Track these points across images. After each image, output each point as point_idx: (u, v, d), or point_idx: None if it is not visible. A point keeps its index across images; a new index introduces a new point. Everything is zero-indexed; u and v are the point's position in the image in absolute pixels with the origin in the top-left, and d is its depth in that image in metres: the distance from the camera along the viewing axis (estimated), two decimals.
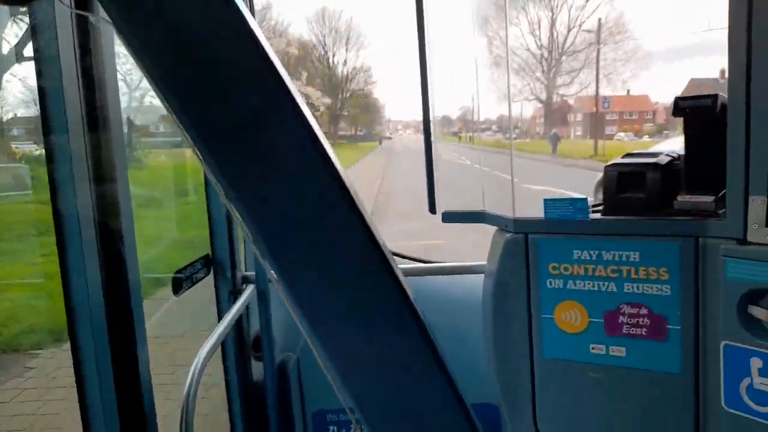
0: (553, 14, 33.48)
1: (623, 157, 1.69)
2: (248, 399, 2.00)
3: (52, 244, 1.24)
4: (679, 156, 1.63)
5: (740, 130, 1.32)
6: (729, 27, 1.31)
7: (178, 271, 1.61)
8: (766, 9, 1.25)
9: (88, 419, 1.24)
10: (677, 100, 1.56)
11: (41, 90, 1.18)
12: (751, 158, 1.32)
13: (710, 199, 1.48)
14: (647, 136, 33.20)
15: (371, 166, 25.67)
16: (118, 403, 1.27)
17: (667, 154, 1.63)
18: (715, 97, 1.49)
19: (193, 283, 1.71)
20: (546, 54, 34.16)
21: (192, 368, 1.43)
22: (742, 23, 1.28)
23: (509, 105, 2.13)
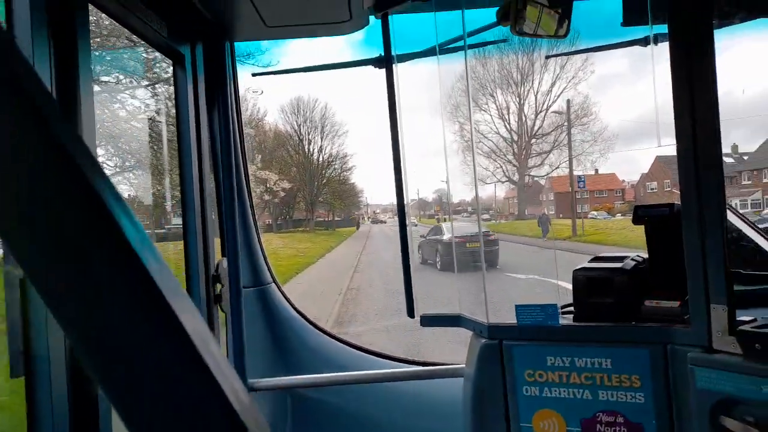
0: (520, 99, 35.40)
1: (590, 261, 1.75)
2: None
3: None
4: (644, 259, 1.70)
5: (695, 240, 1.39)
6: (677, 139, 1.41)
7: None
8: (709, 129, 1.36)
9: None
10: (636, 209, 1.66)
11: None
12: (708, 267, 1.38)
13: (676, 304, 1.53)
14: (620, 214, 34.28)
15: (345, 254, 24.90)
16: None
17: (632, 258, 1.69)
18: (671, 206, 1.59)
19: None
20: (515, 137, 35.82)
21: None
22: (688, 136, 1.38)
23: (476, 189, 2.22)
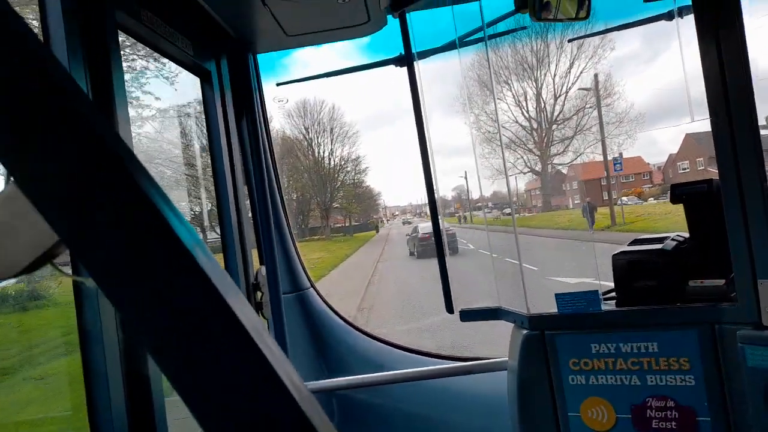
0: (537, 84, 33.82)
1: (630, 244, 1.73)
2: None
3: None
4: (685, 239, 1.67)
5: (737, 214, 1.37)
6: (710, 113, 1.40)
7: None
8: (743, 101, 1.34)
9: None
10: (673, 187, 1.64)
11: None
12: (753, 242, 1.36)
13: (721, 282, 1.51)
14: (652, 198, 33.18)
15: (359, 264, 22.95)
16: None
17: (673, 239, 1.67)
18: (710, 182, 1.56)
19: None
20: (535, 125, 34.21)
21: None
22: (721, 109, 1.37)
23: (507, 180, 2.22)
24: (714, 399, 1.44)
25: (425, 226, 22.22)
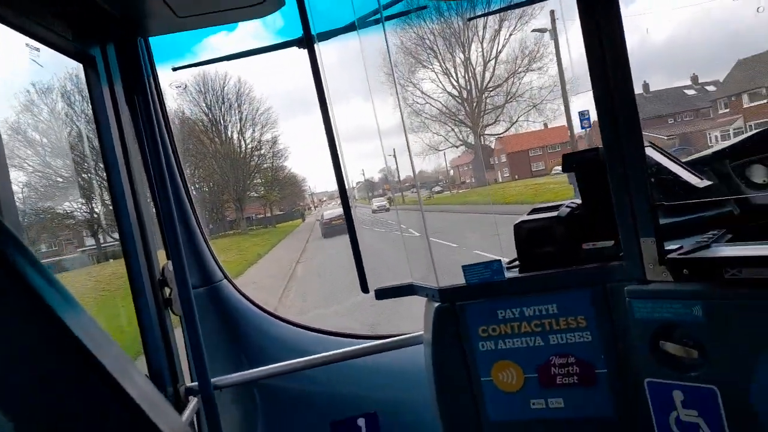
0: (464, 50, 31.03)
1: (529, 213, 1.83)
2: None
3: None
4: (578, 205, 1.78)
5: (620, 177, 1.48)
6: (592, 85, 1.49)
7: None
8: (618, 65, 1.44)
9: None
10: (565, 157, 1.73)
11: None
12: (634, 203, 1.47)
13: (611, 243, 1.63)
14: None
15: (272, 267, 18.65)
16: None
17: (567, 206, 1.78)
18: (597, 149, 1.67)
19: None
20: (465, 94, 31.46)
21: None
22: (602, 81, 1.46)
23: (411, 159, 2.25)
24: (609, 352, 1.56)
25: (329, 212, 26.03)
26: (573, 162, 1.72)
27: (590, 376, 1.58)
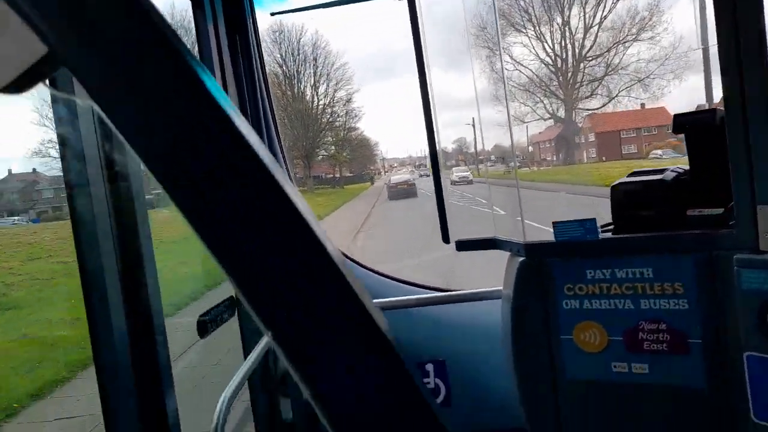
0: (564, 14, 27.50)
1: (629, 175, 1.76)
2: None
3: None
4: (686, 171, 1.69)
5: (740, 141, 1.38)
6: (718, 42, 1.39)
7: (204, 314, 1.68)
8: (752, 27, 1.33)
9: None
10: (676, 117, 1.64)
11: (63, 147, 1.30)
12: (754, 168, 1.38)
13: (720, 211, 1.54)
14: None
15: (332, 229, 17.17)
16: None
17: (672, 170, 1.69)
18: (713, 111, 1.57)
19: (218, 325, 1.78)
20: (560, 63, 27.95)
21: (218, 408, 1.49)
22: (731, 39, 1.36)
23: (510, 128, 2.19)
24: (707, 321, 1.50)
25: (395, 178, 29.60)
26: (686, 123, 1.63)
27: (682, 344, 1.53)
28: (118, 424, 1.31)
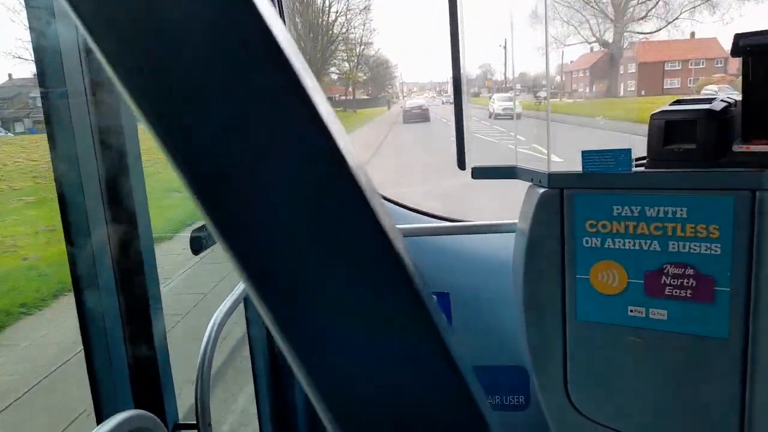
0: None
1: (671, 104, 1.58)
2: (272, 354, 2.03)
3: None
4: (736, 102, 1.51)
5: None
6: None
7: (197, 230, 1.59)
8: None
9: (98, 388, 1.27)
10: (737, 37, 1.44)
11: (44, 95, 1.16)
12: None
13: None
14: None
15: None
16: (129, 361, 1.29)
17: (722, 100, 1.51)
18: None
19: (215, 241, 1.68)
20: None
21: (210, 324, 1.45)
22: None
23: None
24: (739, 269, 1.38)
25: (410, 102, 30.13)
26: (747, 45, 1.42)
27: (708, 292, 1.42)
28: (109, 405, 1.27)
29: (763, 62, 1.41)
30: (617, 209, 1.50)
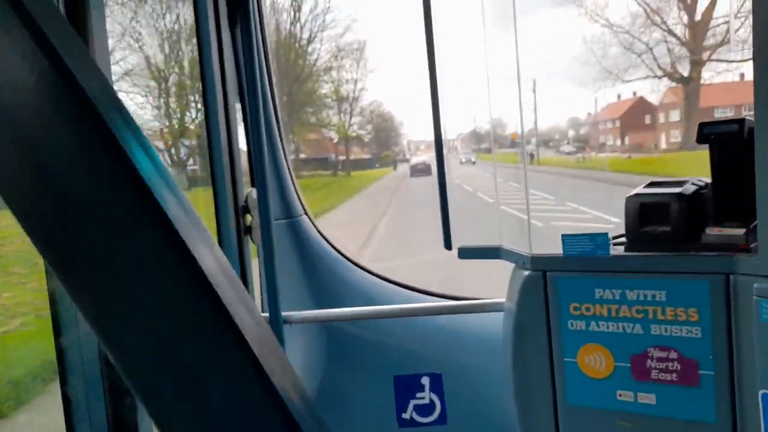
0: None
1: (646, 186, 1.66)
2: None
3: None
4: (707, 185, 1.58)
5: None
6: (753, 56, 1.28)
7: None
8: None
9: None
10: (701, 126, 1.53)
11: None
12: None
13: (741, 231, 1.43)
14: None
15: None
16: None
17: (693, 183, 1.59)
18: (741, 121, 1.45)
19: None
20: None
21: None
22: (765, 48, 1.25)
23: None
24: (720, 353, 1.41)
25: (415, 159, 31.98)
26: (711, 133, 1.51)
27: (692, 375, 1.45)
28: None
29: (725, 149, 1.50)
30: (599, 292, 1.56)
